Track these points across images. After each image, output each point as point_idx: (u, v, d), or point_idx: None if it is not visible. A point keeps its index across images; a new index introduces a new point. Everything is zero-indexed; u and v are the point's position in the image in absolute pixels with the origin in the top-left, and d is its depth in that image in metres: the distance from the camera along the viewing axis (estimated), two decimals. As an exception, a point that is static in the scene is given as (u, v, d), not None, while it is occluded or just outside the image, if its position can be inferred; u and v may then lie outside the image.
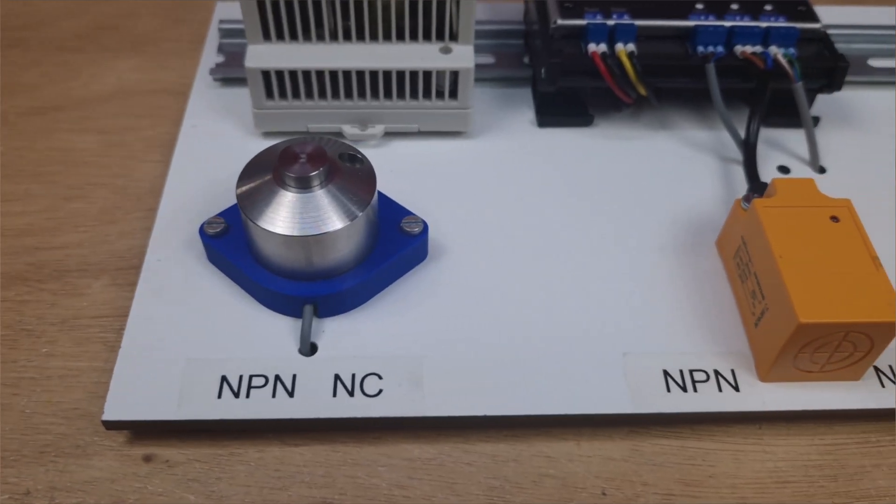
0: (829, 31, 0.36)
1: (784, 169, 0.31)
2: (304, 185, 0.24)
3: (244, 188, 0.25)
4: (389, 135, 0.31)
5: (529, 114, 0.33)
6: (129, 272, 0.28)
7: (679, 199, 0.30)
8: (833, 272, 0.24)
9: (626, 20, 0.30)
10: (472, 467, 0.25)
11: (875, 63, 0.36)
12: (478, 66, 0.34)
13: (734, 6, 0.31)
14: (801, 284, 0.23)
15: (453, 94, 0.30)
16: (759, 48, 0.30)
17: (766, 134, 0.33)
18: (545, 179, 0.30)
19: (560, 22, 0.30)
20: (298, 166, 0.24)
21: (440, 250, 0.28)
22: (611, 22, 0.30)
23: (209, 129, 0.32)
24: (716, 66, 0.30)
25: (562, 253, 0.28)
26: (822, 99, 0.34)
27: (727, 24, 0.30)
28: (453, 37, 0.29)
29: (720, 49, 0.30)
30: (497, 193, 0.30)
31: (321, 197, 0.24)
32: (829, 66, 0.31)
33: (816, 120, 0.33)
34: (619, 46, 0.30)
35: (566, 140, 0.32)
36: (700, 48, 0.30)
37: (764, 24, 0.30)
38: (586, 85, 0.30)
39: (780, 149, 0.32)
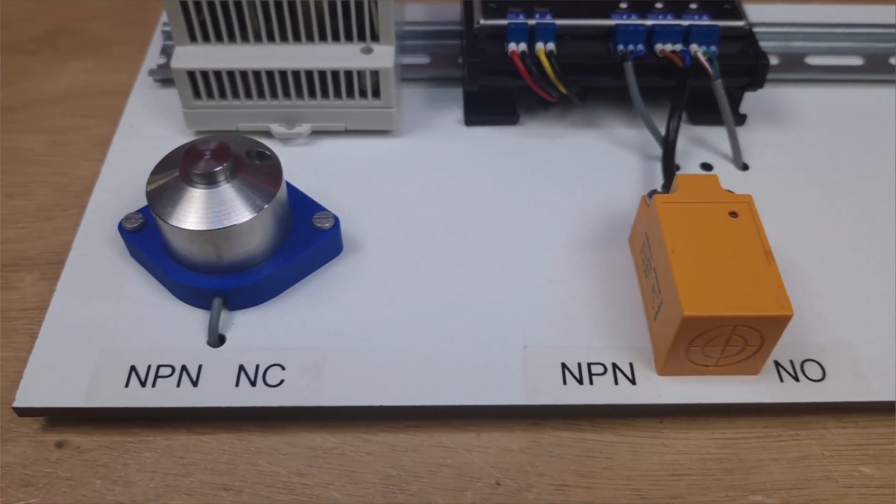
0: (770, 30, 0.36)
1: (707, 166, 0.32)
2: (208, 180, 0.25)
3: (153, 186, 0.26)
4: (318, 133, 0.32)
5: (459, 113, 0.33)
6: (58, 267, 0.29)
7: (600, 196, 0.30)
8: (724, 267, 0.24)
9: (547, 20, 0.31)
10: (371, 456, 0.25)
11: (812, 61, 0.36)
12: (412, 66, 0.35)
13: (659, 5, 0.32)
14: (689, 278, 0.24)
15: (376, 93, 0.30)
16: (679, 46, 0.31)
17: (694, 131, 0.33)
18: (468, 177, 0.31)
19: (483, 22, 0.31)
20: (203, 163, 0.25)
21: (357, 246, 0.29)
22: (532, 21, 0.31)
23: (145, 128, 0.33)
24: (636, 64, 0.30)
25: (476, 249, 0.29)
26: (757, 97, 0.35)
27: (648, 22, 0.31)
28: (375, 37, 0.30)
29: (640, 48, 0.31)
30: (420, 191, 0.31)
31: (226, 192, 0.25)
32: (751, 63, 0.31)
33: (743, 118, 0.33)
34: (539, 46, 0.30)
35: (492, 138, 0.32)
36: (621, 47, 0.31)
37: (685, 23, 0.31)
38: (508, 84, 0.31)
39: (707, 146, 0.32)
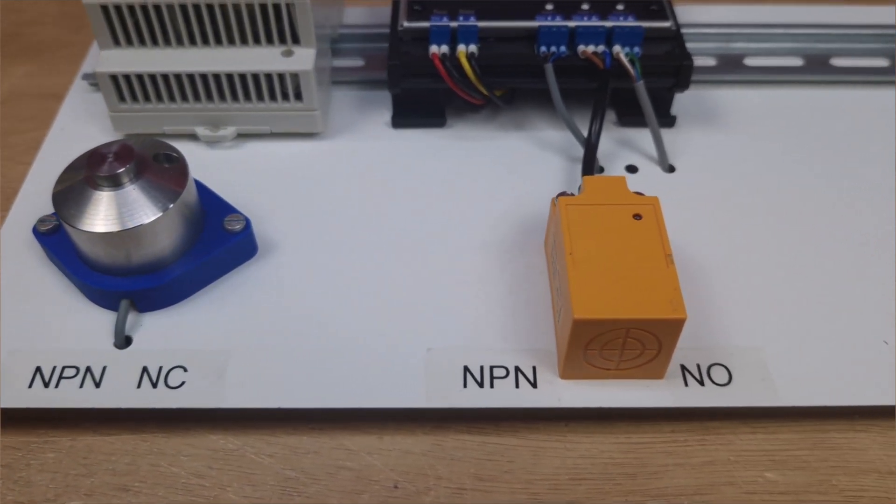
0: (709, 31, 0.36)
1: (632, 168, 0.31)
2: (112, 182, 0.25)
3: (58, 189, 0.26)
4: (245, 136, 0.32)
5: (389, 116, 0.33)
6: (-19, 269, 0.30)
7: (521, 199, 0.30)
8: (622, 269, 0.24)
9: (470, 22, 0.31)
10: (272, 458, 0.25)
11: (751, 62, 0.35)
12: (345, 69, 0.35)
13: (585, 6, 0.31)
14: (584, 281, 0.23)
15: (298, 96, 0.31)
16: (602, 48, 0.30)
17: (624, 133, 0.33)
18: (389, 180, 0.31)
19: (406, 24, 0.31)
20: (106, 165, 0.25)
21: (274, 248, 0.29)
22: (454, 24, 0.30)
23: (76, 131, 0.33)
24: (559, 66, 0.30)
25: (392, 251, 0.29)
26: (694, 98, 0.34)
27: (571, 24, 0.31)
28: (296, 40, 0.30)
29: (563, 49, 0.30)
30: (340, 194, 0.30)
31: (130, 193, 0.25)
32: (675, 64, 0.31)
33: (673, 119, 0.33)
34: (461, 48, 0.30)
35: (417, 141, 0.32)
36: (543, 48, 0.30)
37: (609, 24, 0.30)
38: (430, 87, 0.31)
39: (635, 148, 0.32)
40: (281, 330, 0.26)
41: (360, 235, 0.29)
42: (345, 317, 0.27)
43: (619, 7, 0.31)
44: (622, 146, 0.32)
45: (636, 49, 0.30)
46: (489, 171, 0.31)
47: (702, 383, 0.25)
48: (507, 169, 0.31)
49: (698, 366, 0.26)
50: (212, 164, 0.31)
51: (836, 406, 0.25)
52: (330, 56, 0.34)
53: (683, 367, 0.25)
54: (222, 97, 0.31)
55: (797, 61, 0.35)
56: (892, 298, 0.27)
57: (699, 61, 0.35)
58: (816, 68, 0.35)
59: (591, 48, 0.30)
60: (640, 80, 0.30)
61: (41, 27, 0.41)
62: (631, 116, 0.32)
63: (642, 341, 0.24)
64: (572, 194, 0.27)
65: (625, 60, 0.30)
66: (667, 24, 0.31)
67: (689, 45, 0.35)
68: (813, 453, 0.25)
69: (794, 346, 0.26)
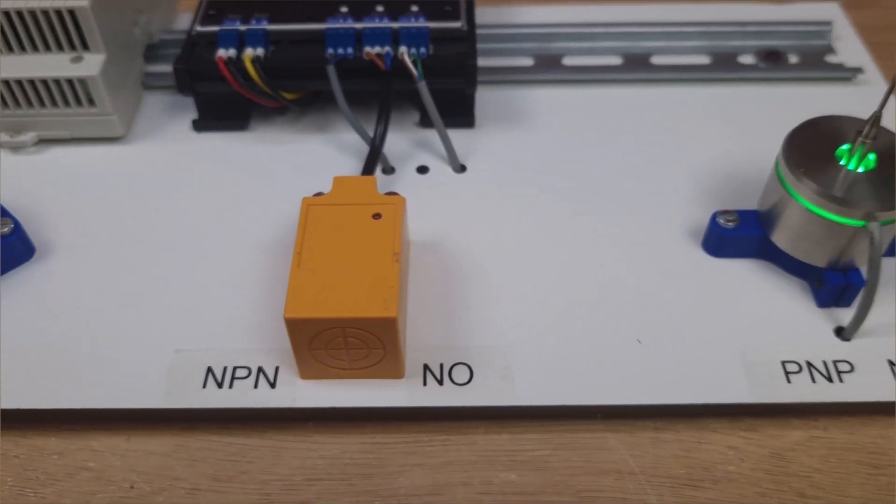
0: (530, 32, 0.36)
1: (423, 169, 0.31)
2: None
3: None
4: (48, 141, 0.33)
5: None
6: None
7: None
8: (347, 269, 0.24)
9: (258, 25, 0.31)
10: (17, 459, 0.25)
11: (568, 61, 0.35)
12: (157, 74, 0.35)
13: (379, 8, 0.32)
14: (305, 280, 0.24)
15: (91, 101, 0.31)
16: (388, 49, 0.30)
17: (424, 134, 0.33)
18: (183, 183, 0.31)
19: (199, 29, 0.31)
20: None
21: (52, 250, 0.29)
22: (242, 28, 0.31)
23: None
24: (344, 67, 0.30)
25: (163, 255, 0.29)
26: (509, 97, 0.34)
27: (358, 26, 0.31)
28: (86, 46, 0.30)
29: (350, 51, 0.31)
30: (134, 197, 0.31)
31: None
32: (461, 64, 0.30)
33: (472, 119, 0.33)
34: (248, 51, 0.30)
35: (217, 144, 0.32)
36: (330, 50, 0.31)
37: (396, 25, 0.31)
38: (222, 91, 0.31)
39: (432, 149, 0.32)
40: (45, 330, 0.27)
41: (138, 239, 0.29)
42: (106, 318, 0.27)
43: (414, 8, 0.31)
44: (420, 147, 0.32)
45: (422, 49, 0.30)
46: (281, 174, 0.31)
47: (441, 382, 0.25)
48: (301, 171, 0.31)
49: (441, 365, 0.25)
50: (14, 170, 0.32)
51: (574, 406, 0.25)
52: (138, 61, 0.34)
53: (426, 367, 0.25)
54: (17, 103, 0.31)
55: (617, 60, 0.35)
56: (647, 298, 0.27)
57: (518, 61, 0.36)
58: (634, 67, 0.35)
59: (376, 49, 0.30)
60: (421, 81, 0.30)
61: None
62: (441, 118, 0.32)
63: (364, 340, 0.24)
64: (323, 194, 0.27)
65: (408, 61, 0.30)
66: (457, 24, 0.31)
67: (509, 46, 0.36)
68: (556, 454, 0.25)
69: (543, 346, 0.26)
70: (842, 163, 0.25)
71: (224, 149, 0.32)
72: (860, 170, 0.25)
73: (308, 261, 0.24)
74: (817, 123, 0.26)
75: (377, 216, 0.25)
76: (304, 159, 0.32)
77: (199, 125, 0.33)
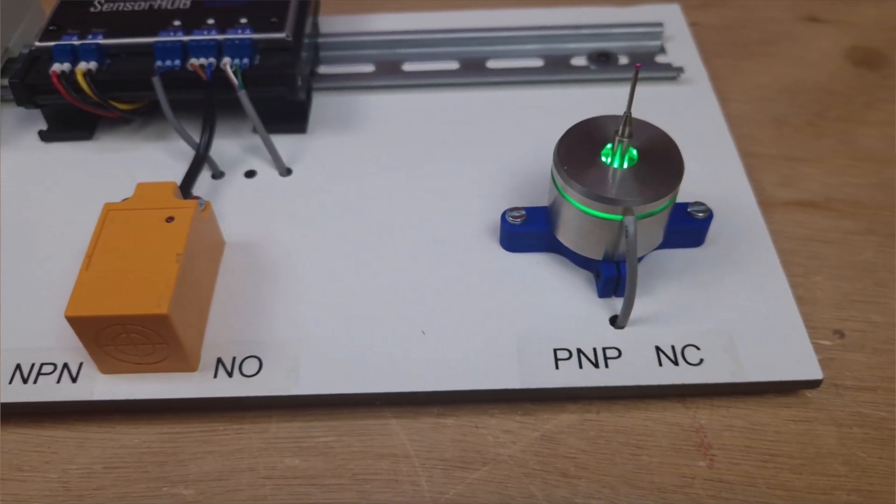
0: (366, 39, 0.38)
1: (251, 173, 0.33)
2: None
3: None
4: None
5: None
6: None
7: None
8: (131, 270, 0.25)
9: (93, 40, 0.32)
10: None
11: (408, 67, 0.37)
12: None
13: (210, 20, 0.33)
14: (91, 281, 0.25)
15: (-65, 115, 0.33)
16: (213, 60, 0.32)
17: (260, 140, 0.34)
18: (20, 193, 0.33)
19: (37, 44, 0.33)
20: None
21: None
22: (77, 42, 0.32)
23: None
24: (169, 78, 0.32)
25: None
26: (349, 103, 0.36)
27: (184, 38, 0.32)
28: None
29: (177, 63, 0.32)
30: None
31: None
32: (282, 73, 0.32)
33: (304, 125, 0.34)
34: (83, 65, 0.32)
35: (64, 154, 0.34)
36: (159, 63, 0.32)
37: (220, 38, 0.32)
38: (60, 102, 0.33)
39: (262, 155, 0.34)
40: None
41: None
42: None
43: (242, 20, 0.33)
44: (251, 152, 0.34)
45: (245, 60, 0.32)
46: (120, 180, 0.33)
47: (230, 374, 0.27)
48: (138, 177, 0.33)
49: (234, 358, 0.27)
50: None
51: (355, 394, 0.26)
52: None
53: (220, 360, 0.27)
54: None
55: (454, 65, 0.37)
56: (439, 292, 0.29)
57: (360, 68, 0.37)
58: (470, 72, 0.36)
59: (201, 60, 0.32)
60: (241, 90, 0.31)
61: None
62: (277, 123, 0.34)
63: (146, 336, 0.25)
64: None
65: (229, 71, 0.31)
66: (282, 34, 0.33)
67: (352, 53, 0.37)
68: (341, 440, 0.27)
69: (334, 339, 0.27)
70: (606, 161, 0.27)
71: (69, 158, 0.34)
72: (625, 166, 0.26)
73: (98, 263, 0.26)
74: (585, 125, 0.27)
75: (170, 219, 0.27)
76: (142, 166, 0.34)
77: (47, 136, 0.35)
